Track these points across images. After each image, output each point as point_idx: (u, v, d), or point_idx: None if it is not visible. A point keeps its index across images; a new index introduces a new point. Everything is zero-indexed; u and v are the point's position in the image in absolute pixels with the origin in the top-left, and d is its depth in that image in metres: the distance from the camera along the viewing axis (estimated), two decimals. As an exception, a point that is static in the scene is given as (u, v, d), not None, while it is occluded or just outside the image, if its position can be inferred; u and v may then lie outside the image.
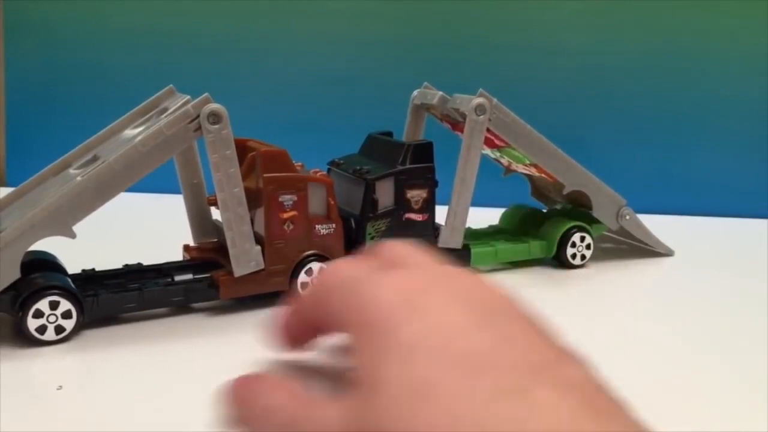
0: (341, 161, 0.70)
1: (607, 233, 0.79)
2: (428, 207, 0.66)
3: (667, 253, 0.80)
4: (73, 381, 0.48)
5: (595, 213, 0.75)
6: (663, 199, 1.03)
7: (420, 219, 0.66)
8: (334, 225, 0.62)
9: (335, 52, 1.05)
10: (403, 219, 0.65)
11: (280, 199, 0.59)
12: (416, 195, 0.66)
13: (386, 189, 0.64)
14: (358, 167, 0.66)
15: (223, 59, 1.06)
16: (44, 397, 0.45)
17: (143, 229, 0.84)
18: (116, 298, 0.54)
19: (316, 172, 0.63)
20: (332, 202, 0.61)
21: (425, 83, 0.77)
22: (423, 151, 0.66)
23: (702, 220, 1.00)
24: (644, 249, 0.80)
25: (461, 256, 0.69)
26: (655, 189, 1.05)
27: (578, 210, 0.78)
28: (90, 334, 0.54)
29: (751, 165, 1.05)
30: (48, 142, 0.91)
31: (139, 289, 0.56)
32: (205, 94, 0.56)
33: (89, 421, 0.42)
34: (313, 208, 0.60)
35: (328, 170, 0.71)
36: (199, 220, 0.64)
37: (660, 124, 1.06)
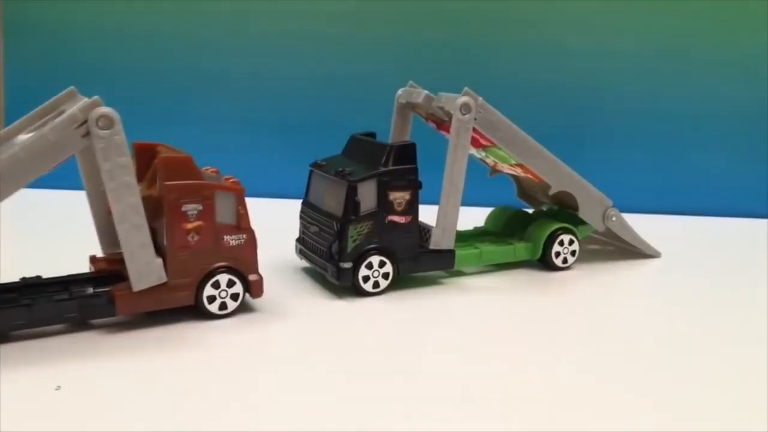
0: (323, 162, 0.67)
1: (594, 235, 0.77)
2: (411, 209, 0.63)
3: (654, 255, 0.76)
4: None
5: (581, 214, 0.72)
6: (662, 199, 1.01)
7: (403, 221, 0.63)
8: (244, 235, 0.56)
9: (320, 51, 1.02)
10: (386, 221, 0.62)
11: (184, 209, 0.53)
12: (399, 197, 0.63)
13: (368, 191, 0.61)
14: (340, 169, 0.63)
15: (219, 58, 1.04)
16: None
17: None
18: (1, 316, 0.49)
19: (228, 179, 0.57)
20: (243, 211, 0.56)
21: (410, 81, 0.75)
22: (406, 152, 0.63)
23: (701, 220, 0.97)
24: (632, 250, 0.76)
25: (445, 258, 0.66)
26: (654, 189, 1.02)
27: (564, 211, 0.75)
28: None
29: (751, 165, 1.02)
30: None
31: (28, 305, 0.50)
32: (95, 96, 0.50)
33: None
34: (221, 217, 0.55)
35: (311, 172, 0.68)
36: (107, 229, 0.58)
37: (659, 124, 1.02)
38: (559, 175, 0.70)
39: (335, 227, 0.62)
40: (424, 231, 0.67)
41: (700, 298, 0.66)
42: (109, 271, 0.57)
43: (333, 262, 0.62)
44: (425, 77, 0.76)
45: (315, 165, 0.68)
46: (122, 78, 1.02)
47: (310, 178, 0.69)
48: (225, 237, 0.56)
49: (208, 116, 1.04)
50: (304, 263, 0.69)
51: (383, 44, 1.02)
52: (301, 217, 0.69)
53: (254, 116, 1.03)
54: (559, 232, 0.71)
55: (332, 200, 0.64)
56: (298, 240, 0.69)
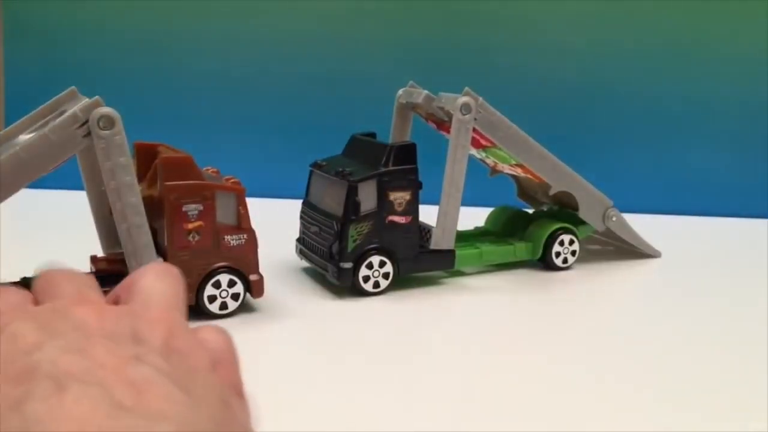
0: (324, 162, 0.66)
1: (594, 235, 0.76)
2: (411, 209, 0.62)
3: (654, 254, 0.76)
4: None
5: (581, 214, 0.71)
6: (662, 198, 1.01)
7: (403, 221, 0.63)
8: (245, 235, 0.56)
9: (319, 52, 1.02)
10: (386, 221, 0.62)
11: (184, 209, 0.53)
12: (399, 197, 0.63)
13: (369, 191, 0.61)
14: (340, 169, 0.62)
15: (219, 59, 1.04)
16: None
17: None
18: None
19: (228, 179, 0.57)
20: (243, 212, 0.56)
21: (411, 82, 0.74)
22: (406, 153, 0.62)
23: (700, 220, 0.97)
24: (635, 250, 0.76)
25: (446, 258, 0.66)
26: (654, 189, 1.02)
27: (564, 211, 0.74)
28: None
29: (751, 165, 1.02)
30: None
31: None
32: (96, 97, 0.50)
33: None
34: (221, 217, 0.55)
35: (311, 172, 0.68)
36: (108, 229, 0.58)
37: (659, 124, 1.02)
38: (559, 175, 0.70)
39: (335, 227, 0.62)
40: (425, 231, 0.67)
41: (700, 298, 0.65)
42: (110, 271, 0.57)
43: (333, 262, 0.62)
44: (425, 77, 0.75)
45: (315, 165, 0.67)
46: (122, 78, 1.01)
47: (310, 178, 0.68)
48: (226, 237, 0.55)
49: (208, 116, 1.03)
50: (304, 263, 0.69)
51: (382, 45, 1.01)
52: (301, 217, 0.68)
53: (254, 116, 1.03)
54: (560, 232, 0.71)
55: (332, 200, 0.63)
56: (298, 240, 0.69)
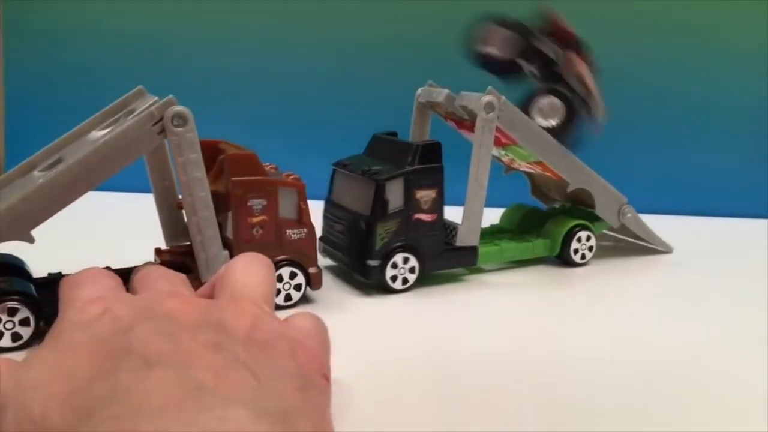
0: (348, 162, 0.67)
1: (606, 231, 0.77)
2: (437, 207, 0.63)
3: (667, 250, 0.77)
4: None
5: (598, 211, 0.72)
6: (663, 199, 1.01)
7: (429, 219, 0.64)
8: (305, 229, 0.58)
9: (337, 52, 1.02)
10: (413, 219, 0.62)
11: (249, 204, 0.55)
12: (425, 195, 0.64)
13: (396, 189, 0.62)
14: (366, 168, 0.63)
15: (225, 59, 1.03)
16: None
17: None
18: None
19: (289, 176, 0.59)
20: (304, 207, 0.58)
21: (429, 81, 0.75)
22: (431, 152, 0.63)
23: (702, 220, 0.98)
24: (645, 247, 0.77)
25: (468, 254, 0.66)
26: (655, 189, 1.03)
27: (579, 208, 0.75)
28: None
29: (751, 165, 1.03)
30: (48, 142, 0.89)
31: None
32: (170, 95, 0.52)
33: None
34: (283, 212, 0.57)
35: (334, 171, 0.68)
36: (171, 222, 0.60)
37: (660, 124, 1.03)
38: (578, 174, 0.71)
39: (363, 226, 0.62)
40: (449, 228, 0.67)
41: (707, 297, 0.66)
42: (173, 263, 0.58)
43: (361, 260, 0.62)
44: (438, 77, 0.76)
45: (339, 164, 0.68)
46: (122, 78, 1.00)
47: (333, 177, 0.69)
48: (287, 231, 0.57)
49: (220, 117, 1.03)
50: (328, 261, 0.69)
51: (390, 46, 1.02)
52: (325, 216, 0.69)
53: (272, 116, 1.02)
54: (577, 228, 0.72)
55: (359, 199, 0.64)
56: (321, 239, 0.69)
